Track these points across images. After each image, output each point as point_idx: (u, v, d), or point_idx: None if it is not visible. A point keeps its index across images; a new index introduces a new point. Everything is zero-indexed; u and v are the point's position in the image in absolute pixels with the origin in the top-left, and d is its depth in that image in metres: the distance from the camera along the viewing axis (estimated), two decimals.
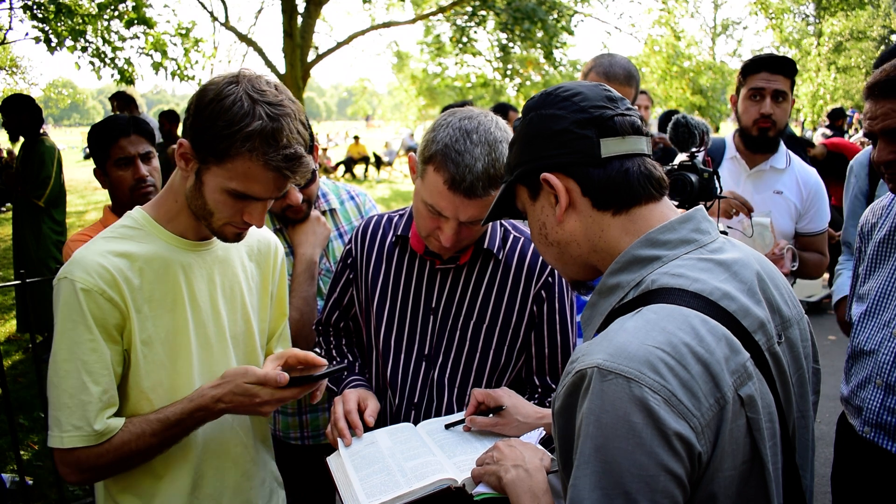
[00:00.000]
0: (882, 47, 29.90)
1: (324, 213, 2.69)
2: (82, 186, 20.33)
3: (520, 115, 1.37)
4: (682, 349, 1.05)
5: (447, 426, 1.84)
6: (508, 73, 17.78)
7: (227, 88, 1.51)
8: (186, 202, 1.66)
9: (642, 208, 1.26)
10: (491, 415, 1.81)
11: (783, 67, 2.98)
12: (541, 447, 1.53)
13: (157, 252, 1.67)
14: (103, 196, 18.24)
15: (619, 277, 1.24)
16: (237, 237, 1.70)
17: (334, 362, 2.00)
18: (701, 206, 1.33)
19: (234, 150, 1.50)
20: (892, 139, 2.02)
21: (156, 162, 2.76)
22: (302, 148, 1.56)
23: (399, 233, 2.04)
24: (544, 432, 1.71)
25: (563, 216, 1.28)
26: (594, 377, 1.05)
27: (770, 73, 2.98)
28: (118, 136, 2.66)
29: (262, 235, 1.96)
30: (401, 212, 2.13)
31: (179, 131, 9.22)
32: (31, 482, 4.22)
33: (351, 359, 2.17)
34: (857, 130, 9.68)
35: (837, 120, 9.90)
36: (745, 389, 1.10)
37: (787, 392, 1.22)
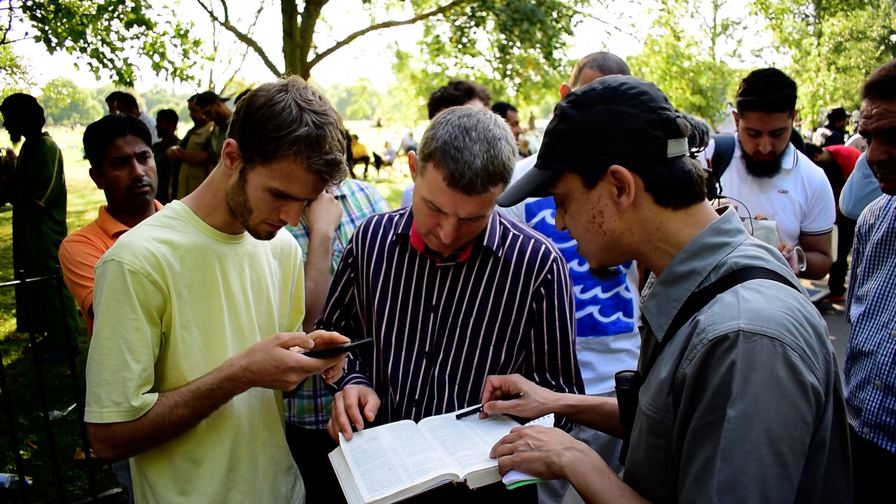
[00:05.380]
0: (882, 47, 29.96)
1: (336, 197, 2.77)
2: (82, 186, 20.33)
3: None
4: (797, 313, 1.20)
5: (459, 416, 1.84)
6: (508, 73, 17.77)
7: (278, 96, 1.63)
8: (226, 198, 1.77)
9: (699, 205, 1.37)
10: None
11: (780, 105, 2.88)
12: (565, 432, 1.55)
13: (196, 242, 1.77)
14: (103, 196, 18.20)
15: (691, 264, 1.34)
16: (269, 235, 1.80)
17: (381, 345, 2.05)
18: (763, 224, 1.44)
19: (281, 153, 1.62)
20: (886, 139, 2.04)
21: (152, 162, 2.77)
22: (340, 154, 1.69)
23: (399, 231, 2.05)
24: (553, 417, 1.73)
25: (627, 206, 1.35)
26: (739, 339, 1.15)
27: (766, 112, 2.90)
28: (114, 135, 2.67)
29: (284, 236, 2.06)
30: (401, 211, 2.14)
31: (177, 131, 9.26)
32: (30, 482, 4.22)
33: (351, 357, 2.18)
34: (856, 131, 9.61)
35: (838, 121, 9.81)
36: (830, 346, 1.25)
37: None
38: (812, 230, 3.15)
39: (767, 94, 2.89)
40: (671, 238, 1.36)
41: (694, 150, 2.51)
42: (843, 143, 9.31)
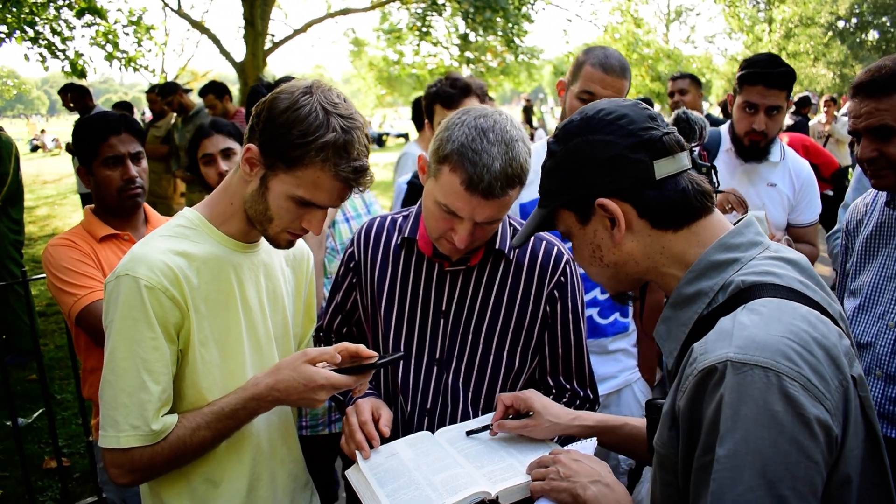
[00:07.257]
0: (829, 33, 30.78)
1: None
2: (30, 181, 19.63)
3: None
4: (803, 336, 1.08)
5: (469, 433, 1.78)
6: (469, 60, 17.71)
7: (302, 99, 1.54)
8: (243, 206, 1.68)
9: (703, 221, 1.30)
10: (511, 417, 1.77)
11: (780, 81, 2.93)
12: (603, 461, 1.50)
13: (211, 252, 1.68)
14: (53, 190, 17.68)
15: (698, 285, 1.26)
16: (290, 244, 1.72)
17: (390, 352, 1.96)
18: (752, 214, 1.35)
19: (308, 160, 1.53)
20: (875, 137, 2.09)
21: (145, 163, 2.60)
22: (367, 160, 1.60)
23: (405, 235, 1.98)
24: (596, 442, 1.67)
25: (621, 239, 1.29)
26: (728, 371, 1.06)
27: (766, 87, 2.94)
28: (108, 133, 2.50)
29: (297, 243, 1.96)
30: (404, 213, 2.07)
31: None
32: None
33: None
34: (834, 118, 9.78)
35: (804, 108, 10.04)
36: (855, 369, 1.14)
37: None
38: (799, 222, 3.20)
39: (770, 67, 2.96)
40: (678, 261, 1.30)
41: (693, 144, 2.51)
42: (808, 129, 9.54)
